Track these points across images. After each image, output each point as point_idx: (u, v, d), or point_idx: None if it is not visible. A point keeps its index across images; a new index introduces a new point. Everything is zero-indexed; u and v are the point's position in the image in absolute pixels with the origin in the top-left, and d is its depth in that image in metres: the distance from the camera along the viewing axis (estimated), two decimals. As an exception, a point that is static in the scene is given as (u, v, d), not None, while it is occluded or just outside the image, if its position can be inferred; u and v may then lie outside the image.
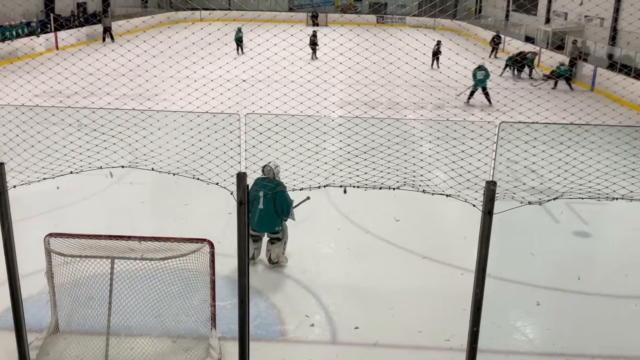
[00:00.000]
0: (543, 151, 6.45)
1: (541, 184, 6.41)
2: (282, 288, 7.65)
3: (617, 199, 5.34)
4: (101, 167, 5.83)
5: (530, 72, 24.76)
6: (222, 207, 9.38)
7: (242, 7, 46.25)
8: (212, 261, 6.07)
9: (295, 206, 8.03)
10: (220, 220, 9.24)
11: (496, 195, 4.77)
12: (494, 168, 5.97)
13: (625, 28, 25.11)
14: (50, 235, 5.97)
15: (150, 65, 8.66)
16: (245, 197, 4.95)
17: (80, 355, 6.01)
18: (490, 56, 30.34)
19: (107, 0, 40.19)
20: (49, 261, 6.03)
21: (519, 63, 24.05)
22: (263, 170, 7.70)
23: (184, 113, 7.46)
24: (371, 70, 9.77)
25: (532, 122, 6.63)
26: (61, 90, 9.38)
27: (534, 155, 6.02)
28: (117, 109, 7.18)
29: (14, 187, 5.52)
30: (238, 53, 27.78)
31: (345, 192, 5.67)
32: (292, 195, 7.76)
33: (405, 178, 6.03)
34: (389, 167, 6.29)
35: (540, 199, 5.36)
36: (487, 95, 19.08)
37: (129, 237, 6.01)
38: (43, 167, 5.65)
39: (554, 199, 5.39)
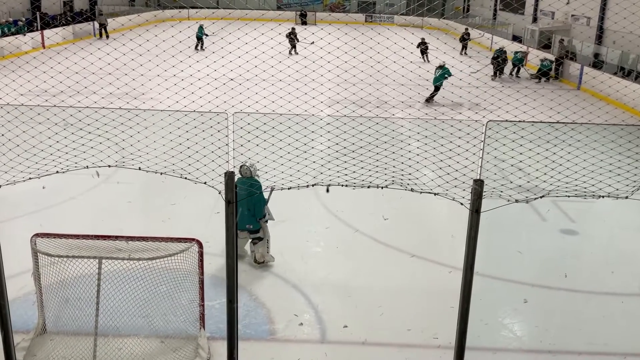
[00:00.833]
0: (530, 150, 6.50)
1: (528, 182, 6.46)
2: (271, 287, 7.64)
3: (603, 197, 5.38)
4: (87, 167, 5.79)
5: (518, 71, 24.79)
6: (210, 207, 9.36)
7: (230, 5, 46.09)
8: (201, 261, 6.05)
9: (266, 202, 8.01)
10: (208, 220, 9.21)
11: (484, 193, 4.79)
12: (481, 166, 6.01)
13: (611, 27, 25.33)
14: (37, 235, 5.92)
15: (137, 64, 8.61)
16: (234, 196, 4.94)
17: (67, 356, 5.96)
18: (461, 53, 30.70)
19: (95, -1, 39.95)
20: (36, 262, 5.98)
21: (497, 60, 23.85)
22: (240, 171, 7.71)
23: (171, 112, 7.41)
24: (359, 69, 9.78)
25: (519, 121, 6.66)
26: (47, 90, 9.30)
27: (521, 153, 6.07)
28: (103, 108, 7.12)
29: (0, 186, 5.47)
30: (197, 49, 27.64)
31: (327, 191, 5.67)
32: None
33: (393, 177, 6.03)
34: (377, 166, 6.30)
35: (527, 197, 5.39)
36: (435, 93, 19.19)
37: (116, 237, 5.98)
38: (29, 167, 5.60)
39: (541, 197, 5.42)
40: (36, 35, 27.87)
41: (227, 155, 6.23)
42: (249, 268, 7.99)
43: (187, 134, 7.18)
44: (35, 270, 6.04)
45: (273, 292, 7.50)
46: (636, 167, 6.65)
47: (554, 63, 23.81)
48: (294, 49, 27.82)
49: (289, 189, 5.41)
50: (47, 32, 28.57)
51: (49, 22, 30.48)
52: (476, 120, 7.01)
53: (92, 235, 5.97)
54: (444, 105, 18.66)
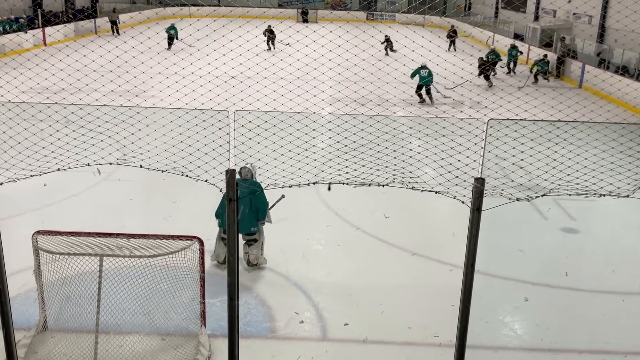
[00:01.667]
0: (531, 148, 6.48)
1: (529, 180, 6.45)
2: (272, 285, 7.64)
3: (604, 195, 5.38)
4: (89, 164, 5.79)
5: (514, 66, 24.67)
6: (211, 204, 9.36)
7: (232, 3, 46.04)
8: (202, 258, 6.05)
9: (271, 207, 8.01)
10: (210, 218, 9.21)
11: (485, 191, 4.79)
12: (482, 165, 6.00)
13: (613, 26, 25.29)
14: (38, 232, 5.93)
15: (138, 62, 8.60)
16: (235, 194, 4.94)
17: (68, 353, 5.97)
18: (448, 50, 30.99)
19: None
20: (37, 259, 5.99)
21: (484, 66, 23.12)
22: (240, 173, 7.68)
23: (173, 110, 7.41)
24: (361, 67, 9.78)
25: (520, 119, 6.65)
26: (48, 87, 9.31)
27: (522, 152, 6.04)
28: (105, 105, 7.13)
29: (1, 184, 5.48)
30: (169, 48, 27.53)
31: (329, 189, 5.67)
32: (267, 195, 7.76)
33: (394, 175, 6.03)
34: (378, 164, 6.29)
35: (528, 195, 5.39)
36: (429, 94, 18.84)
37: (117, 235, 5.98)
38: (30, 164, 5.60)
39: (542, 195, 5.42)
40: (37, 32, 27.87)
41: (229, 153, 6.22)
42: (250, 267, 7.99)
43: (189, 131, 7.19)
44: (36, 267, 6.05)
45: (274, 290, 7.51)
46: (637, 166, 6.65)
47: (556, 61, 23.82)
48: (271, 44, 28.61)
49: (290, 187, 5.41)
50: (48, 30, 28.57)
51: (50, 20, 30.47)
52: (477, 119, 7.00)
53: (93, 233, 5.97)
54: (445, 104, 18.64)
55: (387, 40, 28.91)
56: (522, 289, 7.71)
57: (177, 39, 27.76)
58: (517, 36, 32.30)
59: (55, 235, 5.91)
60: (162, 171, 5.73)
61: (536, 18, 34.21)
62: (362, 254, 8.66)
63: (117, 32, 33.76)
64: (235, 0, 47.20)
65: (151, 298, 6.01)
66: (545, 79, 23.09)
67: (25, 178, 5.57)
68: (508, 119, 6.34)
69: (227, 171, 4.91)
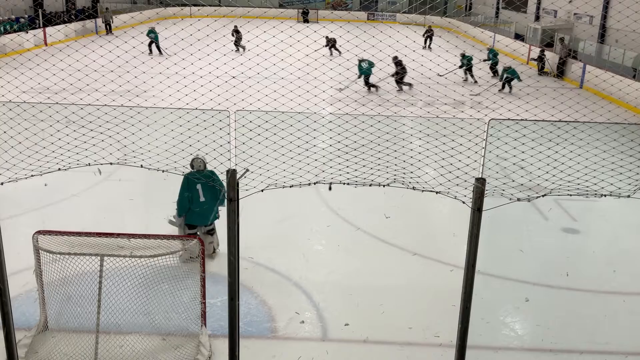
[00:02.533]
0: (532, 148, 6.48)
1: (530, 181, 6.45)
2: (272, 285, 7.64)
3: (605, 195, 5.37)
4: (90, 164, 5.79)
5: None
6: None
7: (232, 3, 46.05)
8: (202, 258, 6.05)
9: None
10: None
11: (485, 192, 4.78)
12: (483, 165, 5.99)
13: (614, 26, 25.28)
14: (39, 232, 5.93)
15: (139, 62, 8.60)
16: (236, 194, 4.94)
17: (69, 353, 5.97)
18: (424, 47, 31.35)
19: (97, -4, 39.95)
20: (38, 259, 5.99)
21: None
22: (193, 165, 7.71)
23: (173, 109, 7.41)
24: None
25: (521, 120, 6.65)
26: (49, 87, 9.31)
27: (523, 152, 6.04)
28: (105, 105, 7.13)
29: (2, 184, 5.48)
30: (151, 55, 26.06)
31: (330, 189, 5.67)
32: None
33: (395, 175, 6.02)
34: (379, 164, 6.29)
35: (529, 195, 5.39)
36: (369, 85, 19.39)
37: (118, 235, 5.98)
38: (31, 164, 5.60)
39: (543, 195, 5.41)
40: (38, 32, 27.88)
41: (229, 153, 6.22)
42: (251, 266, 7.99)
43: (189, 131, 7.19)
44: (37, 267, 6.05)
45: (274, 290, 7.51)
46: (638, 166, 6.64)
47: (557, 62, 23.83)
48: (239, 45, 28.20)
49: (290, 187, 5.41)
50: (49, 30, 28.59)
51: (51, 20, 30.49)
52: (478, 119, 6.99)
53: (94, 233, 5.97)
54: (445, 104, 18.63)
55: (329, 40, 27.41)
56: (522, 289, 7.71)
57: (156, 44, 26.62)
58: (518, 36, 32.30)
59: (56, 235, 5.91)
60: (163, 171, 5.73)
61: (537, 18, 34.20)
62: (362, 254, 8.66)
63: (111, 32, 33.35)
64: (236, 0, 47.21)
65: (152, 298, 6.01)
66: (509, 82, 21.18)
67: (26, 178, 5.57)
68: (509, 119, 6.35)
69: (227, 171, 4.91)
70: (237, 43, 28.39)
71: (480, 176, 4.84)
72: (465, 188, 5.38)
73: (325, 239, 9.20)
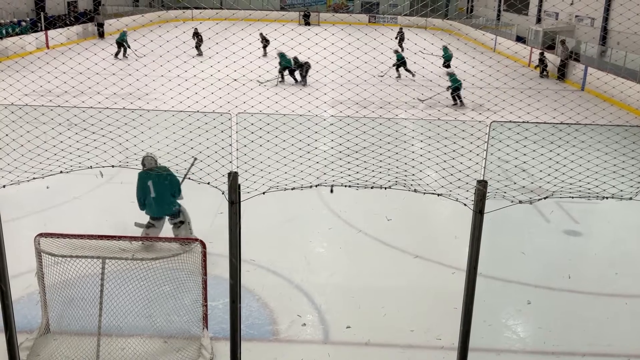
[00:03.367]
0: (534, 150, 6.48)
1: (532, 183, 6.45)
2: (274, 288, 7.63)
3: (607, 198, 5.37)
4: (91, 167, 5.80)
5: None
6: (213, 207, 9.37)
7: (234, 6, 46.14)
8: (204, 261, 6.05)
9: (185, 176, 8.00)
10: (212, 220, 9.22)
11: (487, 194, 4.78)
12: (485, 167, 6.00)
13: (615, 28, 25.28)
14: (41, 235, 5.93)
15: (140, 64, 8.62)
16: (237, 196, 4.94)
17: (71, 356, 5.98)
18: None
19: (99, -1, 40.05)
20: (40, 261, 5.99)
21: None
22: (144, 163, 7.77)
23: (175, 112, 7.43)
24: (363, 70, 9.78)
25: (523, 122, 6.65)
26: (51, 90, 9.32)
27: (524, 154, 6.05)
28: (107, 108, 7.14)
29: (4, 186, 5.49)
30: (118, 57, 24.98)
31: (332, 191, 5.68)
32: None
33: (396, 177, 6.03)
34: (380, 167, 6.30)
35: (531, 198, 5.39)
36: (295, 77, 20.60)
37: (119, 237, 5.99)
38: (33, 167, 5.62)
39: (545, 198, 5.41)
40: (40, 35, 27.94)
41: (231, 155, 6.23)
42: (253, 268, 8.00)
43: (191, 134, 7.19)
44: (39, 270, 6.06)
45: (276, 293, 7.51)
46: (640, 168, 6.64)
47: (559, 64, 23.84)
48: (199, 50, 27.74)
49: (292, 189, 5.41)
50: (51, 33, 28.65)
51: (53, 23, 30.56)
52: (480, 121, 7.00)
53: (95, 235, 5.98)
54: (447, 106, 18.64)
55: (263, 38, 27.08)
56: (524, 292, 7.69)
57: (127, 46, 25.77)
58: (520, 39, 32.30)
59: (58, 237, 5.91)
60: (163, 172, 5.74)
61: (538, 20, 34.23)
62: (364, 256, 8.66)
63: (102, 37, 32.65)
64: (237, 3, 47.30)
65: (153, 301, 6.01)
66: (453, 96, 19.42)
67: (28, 180, 5.58)
68: (510, 121, 6.35)
69: (229, 174, 4.92)
70: (198, 46, 27.73)
71: (481, 178, 4.84)
72: (467, 190, 5.38)
73: (326, 241, 9.20)
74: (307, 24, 44.40)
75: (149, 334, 6.20)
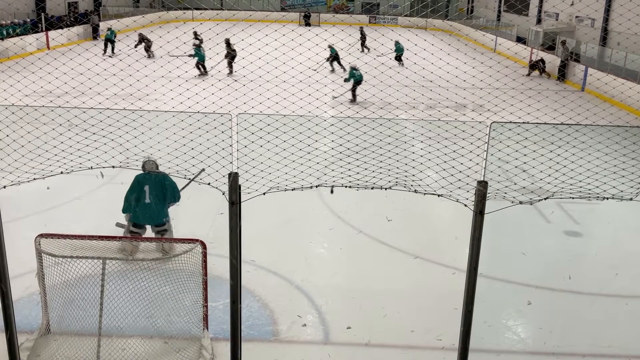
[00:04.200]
0: (534, 151, 6.48)
1: (532, 183, 6.45)
2: (274, 288, 7.64)
3: (607, 198, 5.37)
4: (92, 167, 5.80)
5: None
6: (214, 208, 9.38)
7: (234, 6, 46.17)
8: (205, 261, 6.05)
9: (187, 184, 7.90)
10: (212, 221, 9.22)
11: (487, 195, 4.78)
12: (485, 168, 5.99)
13: (616, 29, 25.29)
14: (41, 235, 5.94)
15: (141, 65, 8.63)
16: (238, 197, 4.94)
17: (71, 356, 5.98)
18: (361, 50, 30.58)
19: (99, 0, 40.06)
20: (40, 262, 6.00)
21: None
22: (144, 167, 7.71)
23: (175, 113, 7.44)
24: (363, 70, 9.78)
25: (523, 122, 6.65)
26: (51, 90, 9.33)
27: (525, 155, 6.05)
28: (107, 108, 7.15)
29: (4, 187, 5.49)
30: (105, 55, 25.18)
31: (332, 192, 5.69)
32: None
33: (397, 178, 6.04)
34: (381, 167, 6.30)
35: (531, 198, 5.39)
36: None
37: (120, 238, 5.99)
38: (33, 167, 5.62)
39: (545, 198, 5.41)
40: (41, 36, 27.96)
41: (231, 156, 6.24)
42: (253, 269, 8.00)
43: (191, 134, 7.20)
44: (39, 270, 6.06)
45: (276, 293, 7.51)
46: (641, 169, 6.64)
47: (559, 65, 23.83)
48: (149, 52, 27.32)
49: (292, 190, 5.42)
50: (51, 34, 28.67)
51: (53, 24, 30.56)
52: (480, 122, 7.00)
53: (96, 236, 5.98)
54: (447, 107, 18.63)
55: (196, 37, 26.18)
56: (525, 293, 7.69)
57: (113, 43, 25.98)
58: (520, 39, 32.30)
59: (58, 238, 5.92)
60: (165, 174, 5.74)
61: (539, 21, 34.23)
62: (364, 257, 8.66)
63: (97, 38, 32.26)
64: (238, 3, 47.34)
65: (154, 301, 6.01)
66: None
67: (28, 181, 5.58)
68: (511, 122, 6.35)
69: (230, 174, 4.92)
70: (148, 49, 27.18)
71: (482, 179, 4.84)
72: (467, 191, 5.38)
73: (327, 242, 9.20)
74: (308, 24, 44.42)
75: (150, 335, 6.21)
